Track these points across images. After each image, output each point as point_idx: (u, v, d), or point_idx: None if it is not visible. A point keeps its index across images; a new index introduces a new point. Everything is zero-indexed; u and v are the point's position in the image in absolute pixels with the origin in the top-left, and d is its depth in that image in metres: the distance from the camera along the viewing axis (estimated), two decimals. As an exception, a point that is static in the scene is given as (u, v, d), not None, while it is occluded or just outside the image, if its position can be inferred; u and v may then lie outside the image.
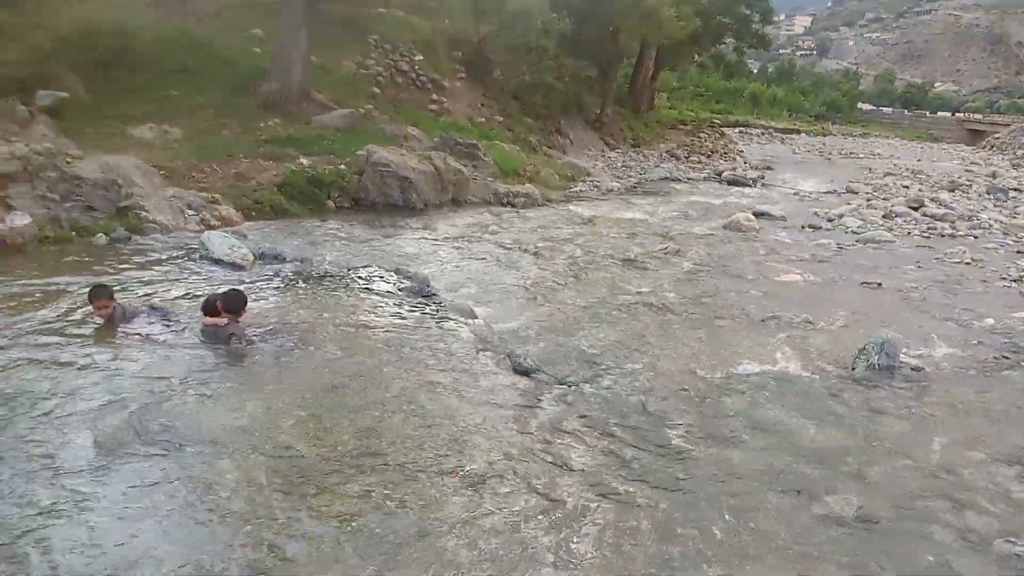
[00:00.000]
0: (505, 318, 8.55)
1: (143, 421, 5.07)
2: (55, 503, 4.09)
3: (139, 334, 6.60)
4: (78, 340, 6.35)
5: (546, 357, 7.19)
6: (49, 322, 6.74)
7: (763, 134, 51.79)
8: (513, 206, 17.26)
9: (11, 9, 16.27)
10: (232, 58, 19.19)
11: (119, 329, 6.61)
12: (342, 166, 15.63)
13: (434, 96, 23.94)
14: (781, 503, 4.91)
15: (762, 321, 8.91)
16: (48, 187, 10.84)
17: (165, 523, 4.04)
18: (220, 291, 6.99)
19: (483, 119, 24.87)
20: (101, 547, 3.79)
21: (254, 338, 6.72)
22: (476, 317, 8.24)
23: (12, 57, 14.57)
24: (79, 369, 5.79)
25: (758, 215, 17.19)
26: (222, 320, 6.61)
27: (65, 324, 6.70)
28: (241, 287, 7.49)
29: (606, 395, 6.42)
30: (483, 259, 11.54)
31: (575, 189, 21.24)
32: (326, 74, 20.99)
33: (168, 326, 6.84)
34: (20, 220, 9.76)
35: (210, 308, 6.66)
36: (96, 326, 6.62)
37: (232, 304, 6.66)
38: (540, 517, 4.44)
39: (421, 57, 24.35)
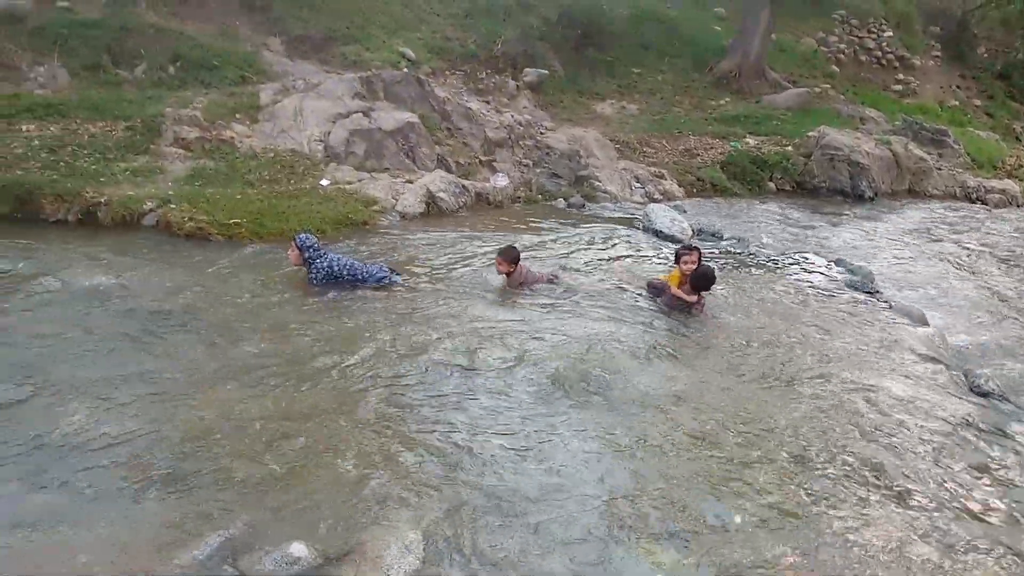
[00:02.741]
0: (963, 330, 7.55)
1: (585, 369, 5.58)
2: (508, 426, 4.75)
3: (540, 292, 7.25)
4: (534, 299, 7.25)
5: (1014, 382, 6.18)
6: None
7: None
8: (984, 203, 15.04)
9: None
10: (693, 36, 19.71)
11: (519, 288, 7.22)
12: (788, 147, 15.16)
13: (900, 76, 21.78)
14: None
15: None
16: (524, 154, 12.42)
17: (588, 459, 4.44)
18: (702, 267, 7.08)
19: (956, 102, 21.93)
20: (535, 465, 4.32)
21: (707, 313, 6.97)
22: (927, 324, 7.41)
23: (510, 37, 16.83)
24: (533, 311, 6.60)
25: None
26: (693, 297, 6.90)
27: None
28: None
29: (1094, 442, 5.31)
30: (941, 260, 10.28)
31: (1071, 190, 17.65)
32: (783, 51, 20.43)
33: (564, 295, 7.29)
34: (501, 181, 11.37)
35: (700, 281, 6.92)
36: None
37: (701, 282, 6.89)
38: (994, 568, 3.89)
39: (890, 33, 22.28)
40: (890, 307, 7.70)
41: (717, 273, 7.09)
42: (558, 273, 7.74)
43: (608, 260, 8.66)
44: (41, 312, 5.95)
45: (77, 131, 9.98)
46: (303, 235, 7.05)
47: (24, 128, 9.80)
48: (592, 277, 7.94)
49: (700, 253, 7.18)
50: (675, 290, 6.99)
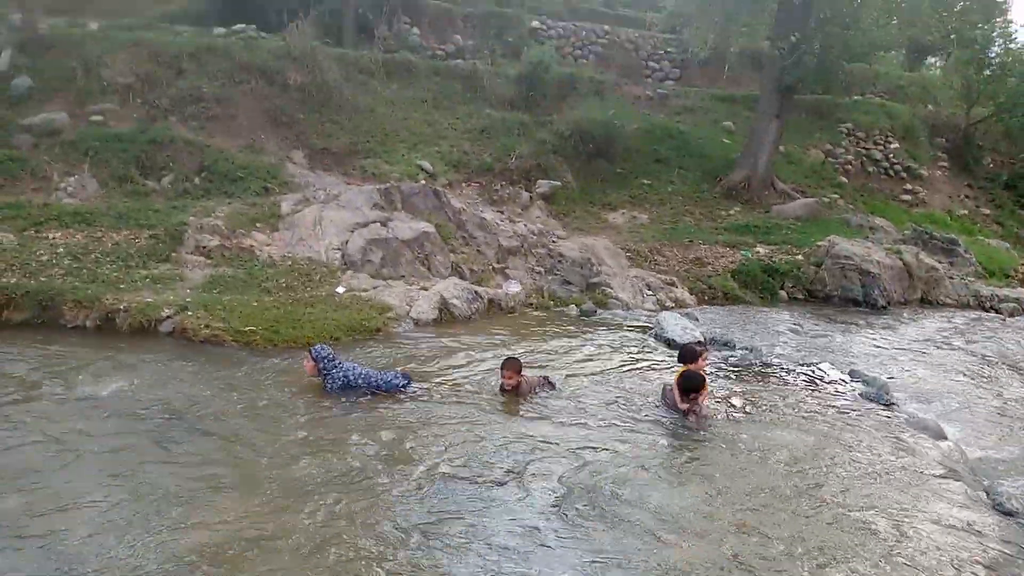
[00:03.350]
0: (983, 444, 7.39)
1: (593, 484, 5.49)
2: (516, 554, 4.65)
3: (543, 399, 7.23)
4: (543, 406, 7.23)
5: (1038, 501, 6.00)
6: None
7: None
8: (998, 312, 14.97)
9: (530, 111, 19.43)
10: (702, 149, 20.29)
11: (526, 398, 7.18)
12: (799, 256, 15.31)
13: (908, 186, 22.20)
14: None
15: None
16: (537, 261, 12.63)
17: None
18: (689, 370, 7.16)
19: (965, 211, 22.26)
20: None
21: (707, 417, 6.91)
22: (945, 438, 7.27)
23: (525, 151, 17.43)
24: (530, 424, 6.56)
25: None
26: (685, 404, 6.88)
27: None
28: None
29: (1126, 566, 5.11)
30: (957, 371, 10.16)
31: (1088, 300, 17.58)
32: (791, 163, 20.96)
33: (575, 404, 7.24)
34: (513, 288, 11.51)
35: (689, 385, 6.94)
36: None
37: (689, 383, 6.90)
38: None
39: (896, 144, 22.87)
40: (907, 420, 7.58)
41: (722, 381, 7.05)
42: (550, 376, 7.74)
43: (619, 367, 8.65)
44: (55, 419, 5.99)
45: (102, 239, 10.30)
46: (318, 346, 7.14)
47: (50, 236, 10.13)
48: (603, 385, 7.91)
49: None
50: (675, 385, 6.96)
